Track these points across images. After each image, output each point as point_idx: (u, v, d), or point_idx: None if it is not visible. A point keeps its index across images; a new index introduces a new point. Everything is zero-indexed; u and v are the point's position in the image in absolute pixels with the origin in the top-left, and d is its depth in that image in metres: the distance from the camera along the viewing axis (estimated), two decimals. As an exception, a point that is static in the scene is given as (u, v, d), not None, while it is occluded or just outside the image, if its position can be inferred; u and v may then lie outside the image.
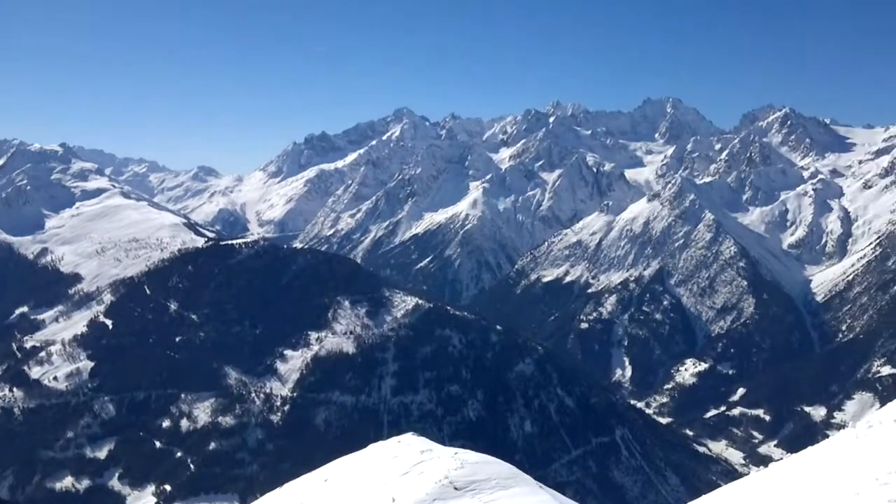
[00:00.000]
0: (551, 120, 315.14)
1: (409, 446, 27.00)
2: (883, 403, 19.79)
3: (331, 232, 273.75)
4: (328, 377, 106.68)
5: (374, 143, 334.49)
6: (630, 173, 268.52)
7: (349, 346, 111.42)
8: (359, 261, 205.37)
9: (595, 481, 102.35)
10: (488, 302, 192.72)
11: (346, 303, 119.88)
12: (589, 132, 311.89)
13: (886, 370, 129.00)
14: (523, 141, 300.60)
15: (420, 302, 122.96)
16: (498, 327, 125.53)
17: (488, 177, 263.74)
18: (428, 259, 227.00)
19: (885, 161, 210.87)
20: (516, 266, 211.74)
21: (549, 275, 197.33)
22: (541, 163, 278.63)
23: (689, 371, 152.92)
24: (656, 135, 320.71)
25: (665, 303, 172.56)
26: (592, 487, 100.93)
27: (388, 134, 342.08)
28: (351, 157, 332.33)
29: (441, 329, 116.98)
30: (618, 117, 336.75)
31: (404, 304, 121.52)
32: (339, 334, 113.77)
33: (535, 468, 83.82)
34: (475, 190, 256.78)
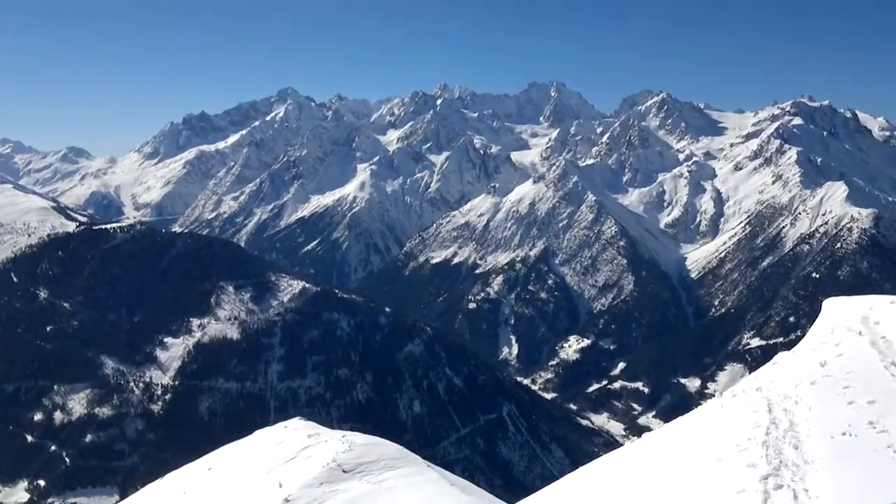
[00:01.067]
0: (439, 102, 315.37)
1: (296, 431, 26.65)
2: (752, 372, 20.57)
3: (213, 215, 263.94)
4: (212, 364, 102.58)
5: (257, 123, 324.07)
6: (516, 156, 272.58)
7: (233, 332, 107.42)
8: (243, 245, 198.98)
9: (483, 458, 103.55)
10: (377, 284, 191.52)
11: (230, 288, 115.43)
12: (476, 115, 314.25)
13: (755, 342, 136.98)
14: (411, 123, 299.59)
15: (307, 286, 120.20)
16: (387, 309, 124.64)
17: (376, 159, 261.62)
18: (315, 242, 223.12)
19: (754, 144, 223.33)
20: (405, 248, 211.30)
21: (438, 256, 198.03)
22: (429, 145, 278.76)
23: (572, 347, 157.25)
24: (541, 118, 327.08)
25: (550, 282, 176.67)
26: (480, 464, 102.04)
27: (272, 115, 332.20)
28: (233, 138, 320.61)
29: (329, 312, 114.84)
30: (504, 101, 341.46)
31: (291, 288, 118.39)
32: (223, 320, 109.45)
33: (424, 448, 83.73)
34: (363, 172, 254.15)
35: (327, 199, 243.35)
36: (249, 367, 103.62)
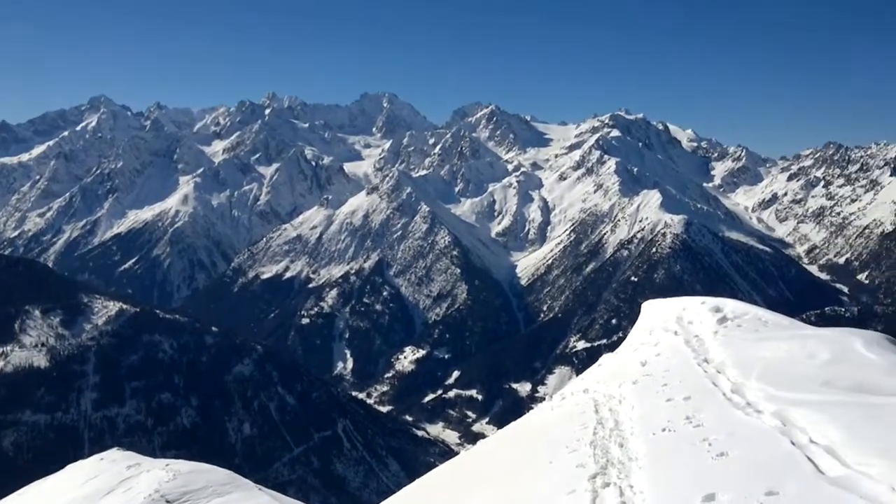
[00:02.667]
0: (267, 112, 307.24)
1: (113, 462, 25.10)
2: (579, 374, 21.16)
3: (15, 234, 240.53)
4: (16, 395, 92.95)
5: (66, 134, 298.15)
6: (349, 167, 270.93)
7: (41, 360, 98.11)
8: (51, 265, 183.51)
9: (317, 476, 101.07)
10: (203, 303, 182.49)
11: (37, 312, 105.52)
12: (307, 125, 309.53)
13: (581, 344, 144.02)
14: (238, 133, 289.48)
15: (124, 307, 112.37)
16: (214, 329, 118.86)
17: (200, 171, 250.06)
18: (133, 260, 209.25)
19: (576, 155, 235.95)
20: (233, 264, 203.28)
21: (269, 271, 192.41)
22: (257, 156, 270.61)
23: (407, 358, 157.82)
24: (374, 129, 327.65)
25: (385, 293, 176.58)
26: (315, 483, 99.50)
27: (84, 124, 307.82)
28: (38, 149, 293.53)
29: (149, 334, 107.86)
30: (336, 111, 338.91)
31: (106, 310, 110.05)
32: (29, 347, 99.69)
33: (255, 470, 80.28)
34: (186, 185, 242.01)
35: (146, 213, 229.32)
36: (60, 397, 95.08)
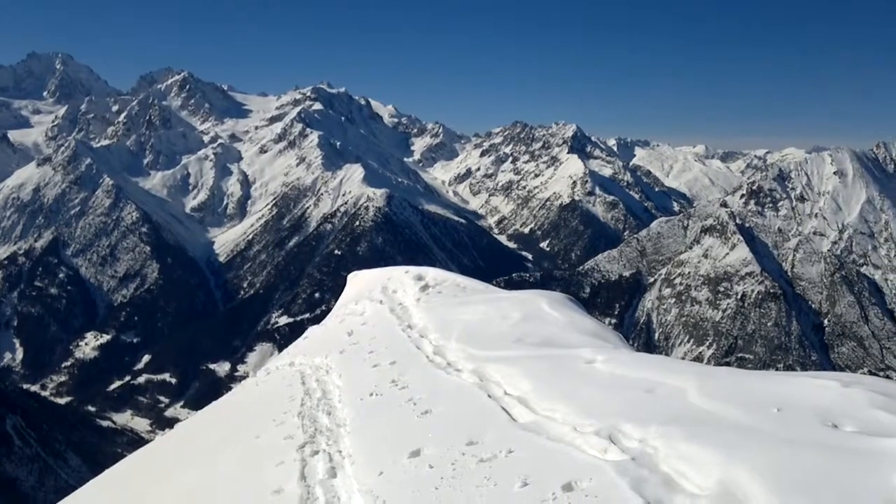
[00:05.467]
0: None
1: None
2: (281, 350, 21.10)
3: None
4: None
5: None
6: (15, 135, 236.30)
7: None
8: None
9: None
10: None
11: None
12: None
13: (283, 320, 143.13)
14: None
15: None
16: None
17: None
18: None
19: (278, 127, 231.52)
20: None
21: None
22: None
23: (89, 345, 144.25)
24: (45, 93, 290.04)
25: (61, 275, 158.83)
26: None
27: None
28: None
29: None
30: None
31: None
32: None
33: None
34: None
35: None
36: None
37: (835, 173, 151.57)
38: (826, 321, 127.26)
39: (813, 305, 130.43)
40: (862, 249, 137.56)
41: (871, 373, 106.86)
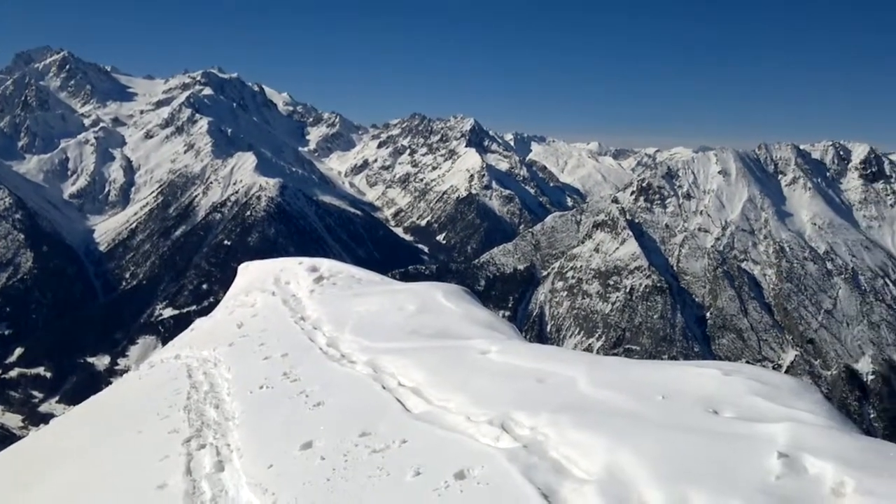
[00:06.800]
0: None
1: None
2: (165, 343, 20.41)
3: None
4: None
5: None
6: None
7: None
8: None
9: None
10: None
11: None
12: None
13: (168, 312, 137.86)
14: None
15: None
16: None
17: None
18: None
19: (165, 112, 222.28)
20: None
21: None
22: None
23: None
24: None
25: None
26: None
27: None
28: None
29: None
30: None
31: None
32: None
33: None
34: None
35: None
36: None
37: (719, 172, 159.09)
38: (708, 314, 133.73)
39: (696, 299, 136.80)
40: (743, 246, 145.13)
41: (749, 363, 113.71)
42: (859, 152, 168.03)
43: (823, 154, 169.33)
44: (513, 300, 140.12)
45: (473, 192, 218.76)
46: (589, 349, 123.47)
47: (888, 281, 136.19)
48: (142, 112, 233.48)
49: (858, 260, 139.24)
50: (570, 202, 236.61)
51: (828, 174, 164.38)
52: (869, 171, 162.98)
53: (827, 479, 4.84)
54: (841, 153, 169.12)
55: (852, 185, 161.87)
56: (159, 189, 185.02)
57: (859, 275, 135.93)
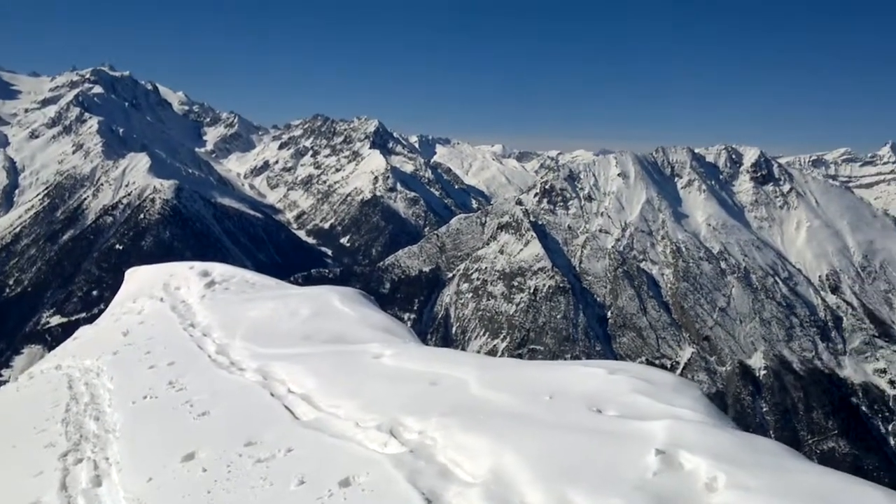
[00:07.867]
0: None
1: None
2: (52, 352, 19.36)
3: None
4: None
5: None
6: None
7: None
8: None
9: None
10: None
11: None
12: None
13: (56, 320, 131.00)
14: None
15: None
16: None
17: None
18: None
19: (52, 111, 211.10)
20: None
21: None
22: None
23: None
24: None
25: None
26: None
27: None
28: None
29: None
30: None
31: None
32: None
33: None
34: None
35: None
36: None
37: (619, 175, 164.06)
38: (609, 313, 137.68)
39: (598, 298, 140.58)
40: (642, 246, 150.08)
41: (648, 361, 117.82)
42: (750, 156, 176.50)
43: (717, 157, 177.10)
44: (418, 303, 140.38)
45: (378, 194, 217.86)
46: (494, 350, 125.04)
47: (778, 279, 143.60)
48: (26, 111, 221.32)
49: (750, 259, 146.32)
50: (474, 204, 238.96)
51: (721, 177, 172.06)
52: (759, 173, 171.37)
53: (701, 474, 4.99)
54: (733, 156, 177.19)
55: (744, 187, 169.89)
56: (46, 191, 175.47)
57: (751, 274, 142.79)
